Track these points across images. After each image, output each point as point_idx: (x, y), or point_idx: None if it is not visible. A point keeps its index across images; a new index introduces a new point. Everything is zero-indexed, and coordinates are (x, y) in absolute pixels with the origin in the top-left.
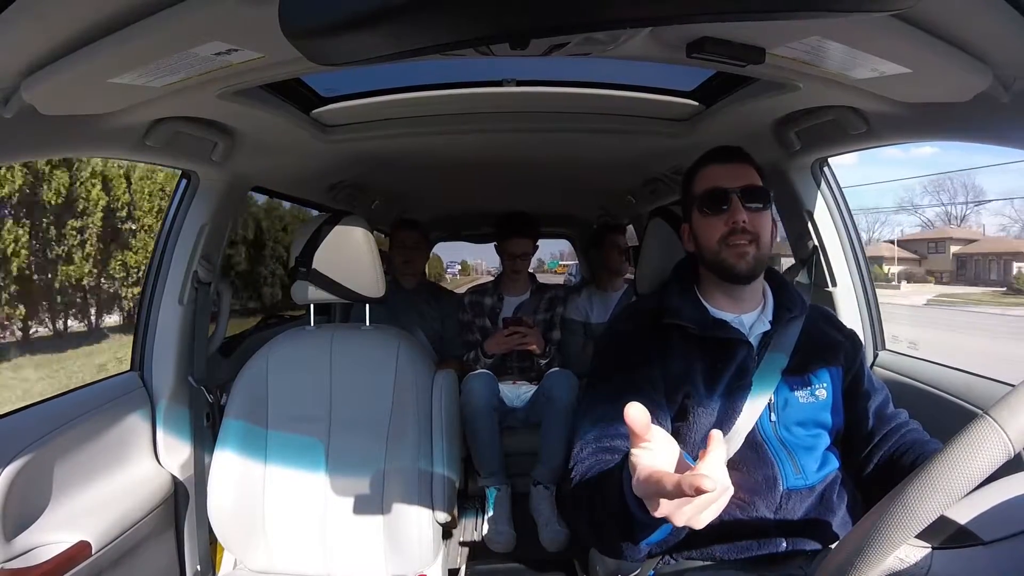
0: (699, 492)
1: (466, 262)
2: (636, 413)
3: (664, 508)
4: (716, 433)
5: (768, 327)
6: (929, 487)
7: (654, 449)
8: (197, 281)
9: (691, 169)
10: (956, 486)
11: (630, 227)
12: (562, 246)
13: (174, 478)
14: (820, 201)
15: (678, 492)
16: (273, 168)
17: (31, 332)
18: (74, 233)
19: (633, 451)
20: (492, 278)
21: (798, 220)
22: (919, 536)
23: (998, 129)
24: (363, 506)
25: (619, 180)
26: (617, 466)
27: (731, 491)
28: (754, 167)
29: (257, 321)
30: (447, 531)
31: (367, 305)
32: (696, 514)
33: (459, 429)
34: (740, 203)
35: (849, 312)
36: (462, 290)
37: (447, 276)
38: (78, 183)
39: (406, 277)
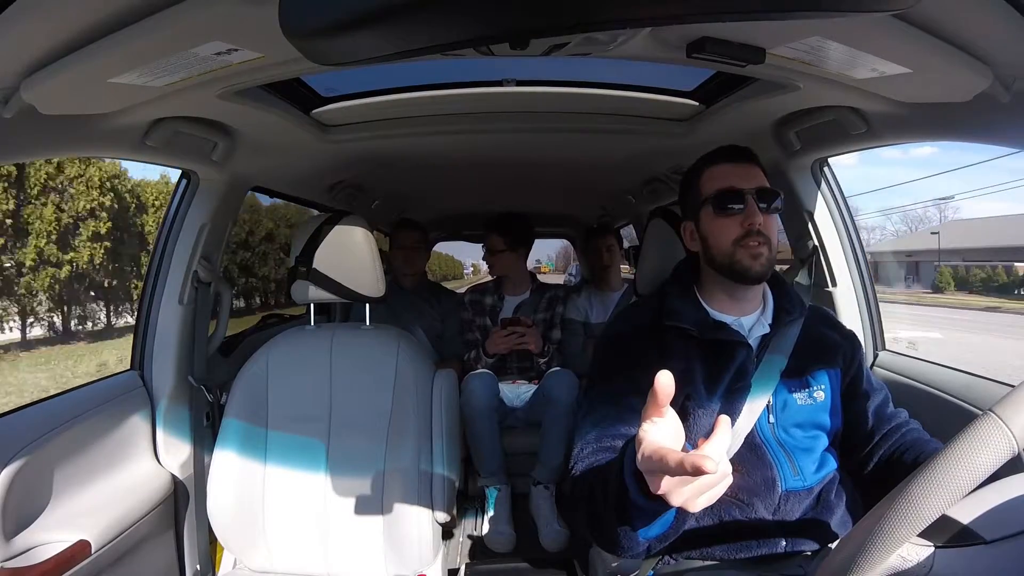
0: (699, 472)
1: (476, 265)
2: (666, 380)
3: (664, 486)
4: (723, 419)
5: (767, 329)
6: (934, 483)
7: (663, 427)
8: (197, 281)
9: (697, 166)
10: (960, 482)
11: (630, 227)
12: (558, 247)
13: (174, 478)
14: (820, 201)
15: (680, 470)
16: (273, 168)
17: None
18: None
19: (644, 425)
20: (491, 278)
21: (798, 220)
22: (922, 535)
23: (998, 129)
24: (363, 506)
25: (619, 180)
26: (618, 455)
27: (730, 479)
28: (762, 169)
29: None
30: (447, 531)
31: (367, 305)
32: (693, 497)
33: (459, 429)
34: (756, 205)
35: (849, 312)
36: (463, 289)
37: (465, 276)
38: None
39: (406, 277)
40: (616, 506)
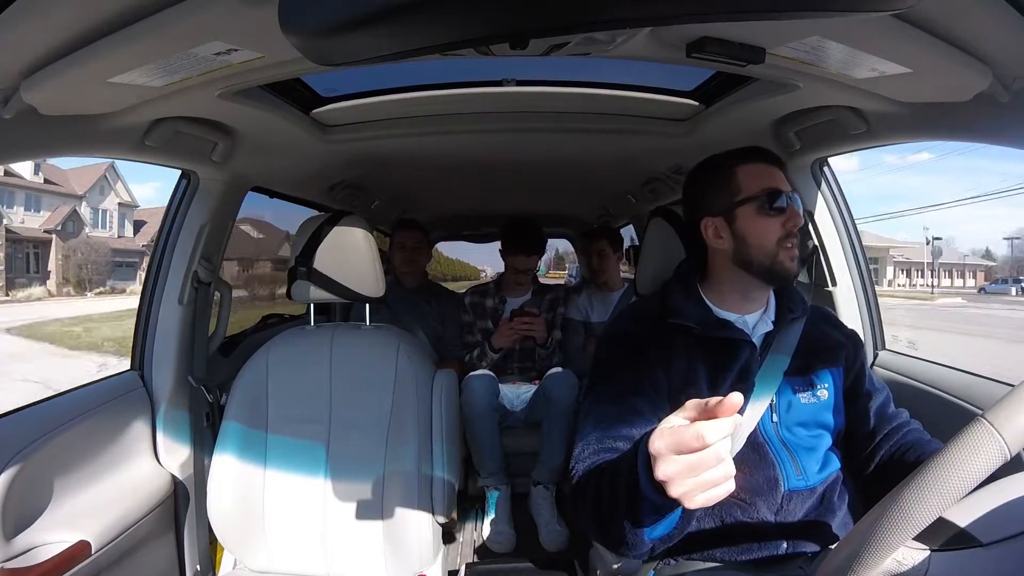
0: (725, 408)
1: (488, 272)
2: (737, 400)
3: (669, 467)
4: (735, 395)
5: (770, 327)
6: (925, 490)
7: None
8: (197, 281)
9: (727, 163)
10: (952, 489)
11: (630, 226)
12: (548, 256)
13: (174, 478)
14: (820, 201)
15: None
16: (273, 168)
17: None
18: None
19: (670, 417)
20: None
21: None
22: (917, 538)
23: (998, 129)
24: (363, 507)
25: (619, 180)
26: (630, 450)
27: (732, 484)
28: None
29: None
30: (447, 532)
31: (367, 305)
32: (694, 491)
33: (459, 430)
34: (795, 208)
35: (849, 312)
36: (463, 290)
37: (481, 278)
38: None
39: (406, 277)
40: (625, 499)
